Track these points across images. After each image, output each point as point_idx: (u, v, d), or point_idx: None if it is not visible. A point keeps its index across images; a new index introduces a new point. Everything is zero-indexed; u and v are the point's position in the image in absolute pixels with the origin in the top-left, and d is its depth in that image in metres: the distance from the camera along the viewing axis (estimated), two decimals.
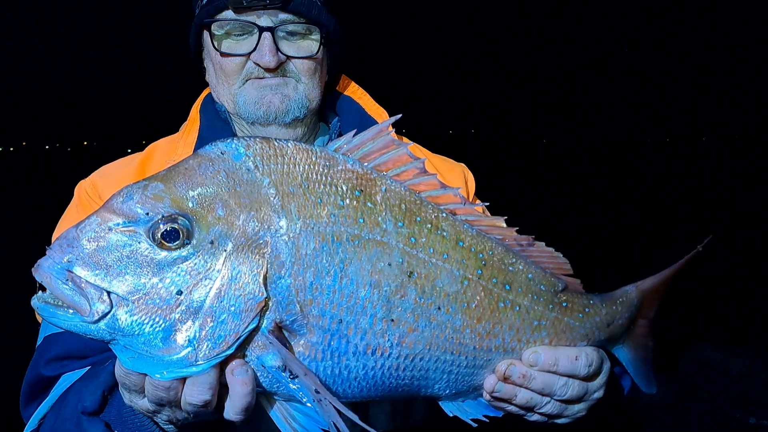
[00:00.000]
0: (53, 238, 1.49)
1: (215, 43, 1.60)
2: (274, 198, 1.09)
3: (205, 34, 1.62)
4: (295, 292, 1.08)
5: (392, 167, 1.19)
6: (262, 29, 1.55)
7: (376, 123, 1.71)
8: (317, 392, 1.07)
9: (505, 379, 1.24)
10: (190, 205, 1.04)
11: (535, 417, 1.31)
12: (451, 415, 1.30)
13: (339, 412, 1.05)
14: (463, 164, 1.95)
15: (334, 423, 1.05)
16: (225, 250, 1.05)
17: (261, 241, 1.07)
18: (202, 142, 1.68)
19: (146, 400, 1.10)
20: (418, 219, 1.18)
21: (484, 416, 1.30)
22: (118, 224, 1.02)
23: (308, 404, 1.11)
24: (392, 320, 1.14)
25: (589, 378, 1.29)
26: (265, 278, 1.07)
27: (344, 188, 1.14)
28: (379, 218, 1.15)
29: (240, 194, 1.07)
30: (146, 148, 1.80)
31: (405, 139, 1.86)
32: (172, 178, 1.06)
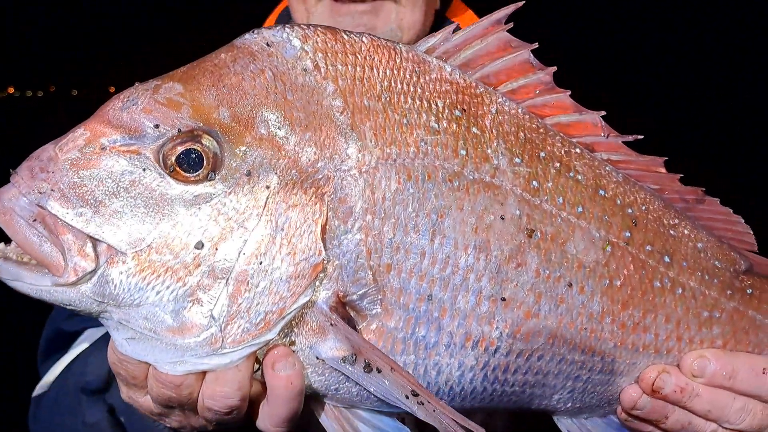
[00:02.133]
0: None
1: None
2: (342, 114, 0.74)
3: None
4: (367, 253, 0.74)
5: (507, 79, 0.84)
6: None
7: None
8: (415, 394, 0.73)
9: (653, 393, 0.87)
10: (221, 117, 0.71)
11: None
12: None
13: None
14: None
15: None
16: (267, 187, 0.71)
17: (320, 176, 0.73)
18: None
19: (149, 398, 0.78)
20: (542, 155, 0.82)
21: None
22: (114, 141, 0.70)
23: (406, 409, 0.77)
24: (503, 300, 0.79)
25: None
26: (324, 231, 0.73)
27: (440, 105, 0.79)
28: (489, 150, 0.79)
29: (292, 105, 0.73)
30: None
31: None
32: (195, 77, 0.73)
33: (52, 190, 0.68)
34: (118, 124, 0.70)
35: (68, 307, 0.71)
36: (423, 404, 0.73)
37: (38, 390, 1.23)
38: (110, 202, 0.69)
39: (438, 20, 1.41)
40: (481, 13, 1.50)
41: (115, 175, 0.69)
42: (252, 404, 0.78)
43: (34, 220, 0.68)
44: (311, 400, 0.82)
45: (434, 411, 0.72)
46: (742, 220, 0.94)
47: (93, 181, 0.69)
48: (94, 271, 0.68)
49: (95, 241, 0.68)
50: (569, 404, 0.90)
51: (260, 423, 0.79)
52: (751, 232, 0.95)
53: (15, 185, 0.69)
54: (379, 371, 0.73)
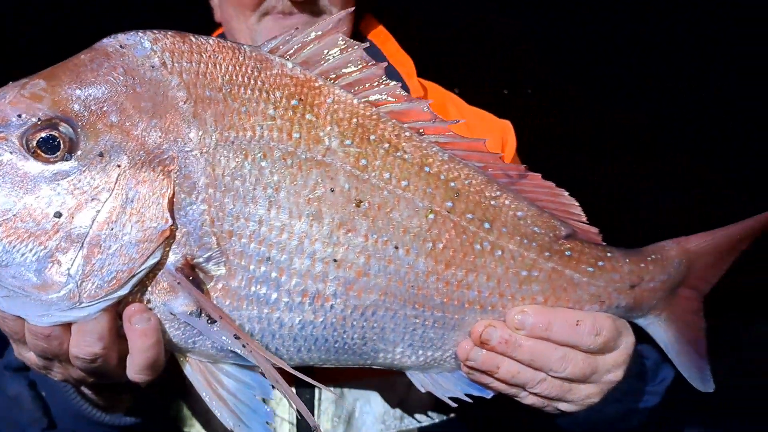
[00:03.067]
0: None
1: None
2: (185, 103, 0.87)
3: None
4: (210, 221, 0.87)
5: (345, 74, 0.96)
6: None
7: (399, 74, 1.49)
8: (237, 338, 0.86)
9: (482, 344, 0.99)
10: (76, 107, 0.84)
11: (530, 399, 1.04)
12: (423, 390, 1.06)
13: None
14: (506, 121, 1.69)
15: (274, 378, 0.86)
16: (118, 166, 0.84)
17: (166, 156, 0.86)
18: None
19: (30, 352, 0.91)
20: (373, 137, 0.95)
21: (466, 395, 1.06)
22: None
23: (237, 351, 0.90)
24: (335, 261, 0.92)
25: (598, 351, 1.03)
26: (171, 202, 0.85)
27: (278, 95, 0.91)
28: (322, 133, 0.92)
29: (141, 96, 0.86)
30: None
31: (435, 87, 1.64)
32: (57, 75, 0.86)
33: None
34: None
35: None
36: (245, 347, 0.85)
37: None
38: None
39: (354, 30, 1.56)
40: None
41: None
42: (123, 359, 0.91)
43: None
44: (179, 357, 0.95)
45: (251, 352, 0.85)
46: (566, 193, 1.06)
47: None
48: None
49: None
50: (413, 358, 1.02)
51: (127, 372, 0.91)
52: (577, 204, 1.07)
53: None
54: (214, 322, 0.86)
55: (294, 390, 1.17)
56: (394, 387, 1.28)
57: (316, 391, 1.25)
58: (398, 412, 1.31)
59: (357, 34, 1.58)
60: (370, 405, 1.30)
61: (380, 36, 1.59)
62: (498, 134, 1.60)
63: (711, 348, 1.21)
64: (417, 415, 1.32)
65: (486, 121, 1.64)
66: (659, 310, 1.14)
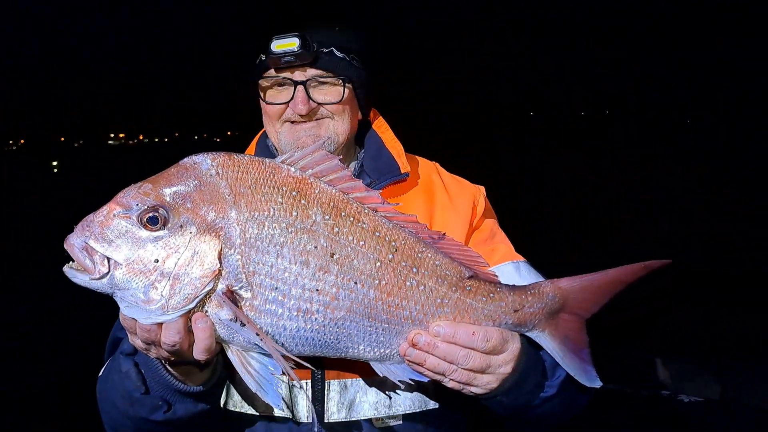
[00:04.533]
0: None
1: (261, 94, 2.03)
2: (229, 196, 1.48)
3: (259, 85, 2.04)
4: (242, 265, 1.47)
5: (328, 174, 1.55)
6: (296, 83, 1.95)
7: (391, 155, 2.10)
8: (257, 335, 1.45)
9: (414, 345, 1.55)
10: (168, 199, 1.46)
11: (450, 384, 1.58)
12: (381, 375, 1.62)
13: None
14: (481, 187, 2.22)
15: (280, 356, 1.45)
16: (191, 232, 1.45)
17: (217, 227, 1.46)
18: None
19: (138, 339, 1.53)
20: (343, 214, 1.53)
21: (410, 379, 1.61)
22: (119, 212, 1.46)
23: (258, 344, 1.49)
24: (317, 290, 1.50)
25: (489, 352, 1.56)
26: (219, 254, 1.46)
27: (284, 189, 1.51)
28: (310, 212, 1.51)
29: (203, 192, 1.47)
30: None
31: (423, 161, 2.23)
32: (158, 180, 1.49)
33: (91, 235, 1.45)
34: (121, 203, 1.46)
35: (97, 291, 1.46)
36: (263, 341, 1.45)
37: (101, 372, 1.96)
38: (116, 240, 1.44)
39: (363, 124, 2.18)
40: (389, 112, 2.25)
41: (119, 227, 1.45)
42: (191, 346, 1.51)
43: (83, 249, 1.45)
44: (224, 346, 1.54)
45: (266, 344, 1.45)
46: (472, 250, 1.62)
47: (109, 231, 1.45)
48: (107, 273, 1.43)
49: (108, 258, 1.44)
50: (371, 353, 1.59)
51: (195, 353, 1.50)
52: (480, 256, 1.62)
53: (75, 233, 1.46)
54: (244, 325, 1.46)
55: (308, 383, 1.83)
56: (384, 383, 1.83)
57: (326, 383, 1.84)
58: (387, 401, 1.87)
59: (365, 123, 2.19)
60: (366, 395, 1.87)
61: (381, 127, 2.22)
62: (470, 197, 2.16)
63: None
64: (402, 404, 1.89)
65: (462, 184, 2.21)
66: (542, 328, 1.65)
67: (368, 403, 1.87)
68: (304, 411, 1.85)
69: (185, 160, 1.53)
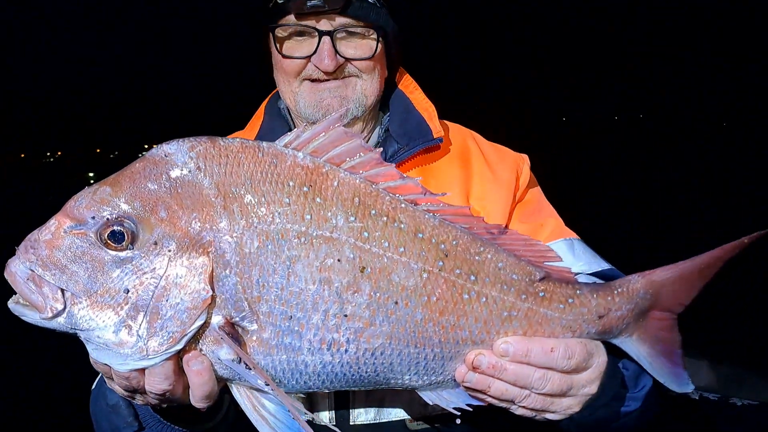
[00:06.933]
0: None
1: (277, 45, 1.64)
2: (216, 198, 1.09)
3: (271, 35, 1.66)
4: (242, 289, 1.10)
5: (347, 159, 1.15)
6: (321, 33, 1.58)
7: (422, 117, 1.72)
8: (267, 385, 1.10)
9: (475, 369, 1.20)
10: (134, 208, 1.07)
11: (520, 411, 1.24)
12: (431, 403, 1.28)
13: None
14: (524, 155, 1.87)
15: (301, 419, 1.11)
16: (169, 251, 1.08)
17: (204, 241, 1.08)
18: (262, 140, 1.72)
19: (117, 386, 1.18)
20: (373, 212, 1.14)
21: (468, 405, 1.26)
22: (70, 227, 1.08)
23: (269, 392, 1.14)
24: (346, 316, 1.13)
25: (572, 371, 1.21)
26: (211, 277, 1.09)
27: (291, 184, 1.12)
28: (329, 213, 1.12)
29: (182, 196, 1.08)
30: None
31: (457, 127, 1.83)
32: (118, 181, 1.10)
33: (37, 259, 1.08)
34: (72, 215, 1.08)
35: (55, 330, 1.11)
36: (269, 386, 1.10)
37: (94, 385, 1.62)
38: (71, 265, 1.07)
39: (387, 85, 1.77)
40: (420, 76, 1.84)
41: (73, 248, 1.07)
42: (187, 389, 1.16)
43: (28, 279, 1.08)
44: (229, 384, 1.19)
45: (278, 396, 1.09)
46: (541, 243, 1.23)
47: (59, 253, 1.07)
48: (63, 310, 1.07)
49: (63, 291, 1.07)
50: (419, 382, 1.23)
51: (191, 401, 1.17)
52: (551, 249, 1.23)
53: (17, 257, 1.09)
54: (250, 369, 1.10)
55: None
56: None
57: None
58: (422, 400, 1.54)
59: (391, 84, 1.77)
60: (398, 393, 1.53)
61: (409, 86, 1.82)
62: (513, 166, 1.77)
63: None
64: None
65: (503, 153, 1.82)
66: (630, 332, 1.30)
67: (400, 401, 1.55)
68: (326, 415, 1.55)
69: (154, 150, 1.13)
